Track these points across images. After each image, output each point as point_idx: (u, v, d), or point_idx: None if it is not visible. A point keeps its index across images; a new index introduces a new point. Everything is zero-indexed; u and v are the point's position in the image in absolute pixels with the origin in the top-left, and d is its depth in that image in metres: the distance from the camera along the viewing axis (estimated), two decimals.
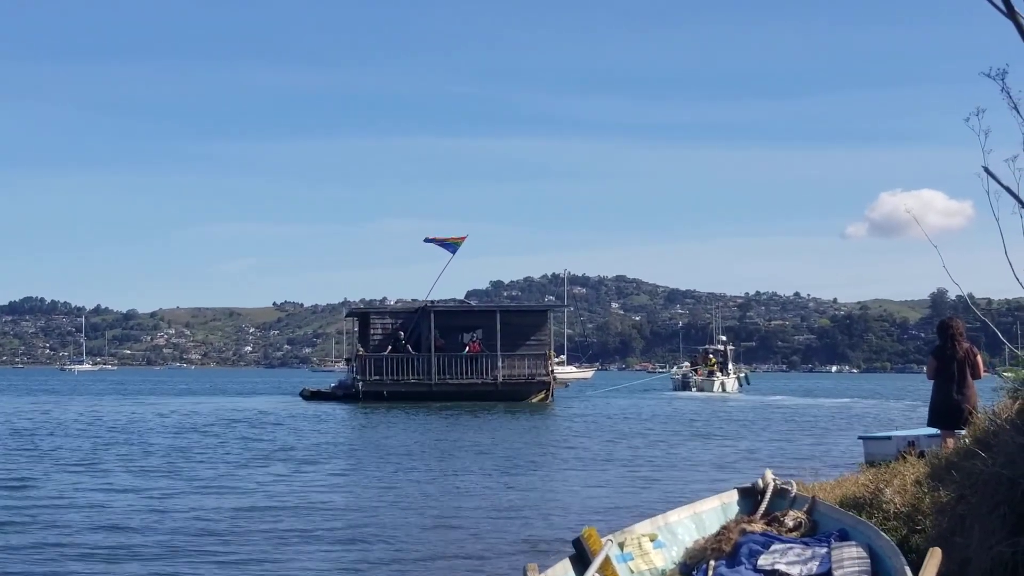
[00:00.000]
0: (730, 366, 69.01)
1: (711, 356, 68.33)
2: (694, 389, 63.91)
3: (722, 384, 64.43)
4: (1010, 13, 4.61)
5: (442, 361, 43.42)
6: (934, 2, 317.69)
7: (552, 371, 45.21)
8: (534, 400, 43.33)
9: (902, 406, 45.14)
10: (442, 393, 42.40)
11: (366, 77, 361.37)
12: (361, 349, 44.25)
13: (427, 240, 47.68)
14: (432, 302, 47.26)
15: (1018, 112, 5.07)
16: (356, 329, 51.27)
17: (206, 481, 16.96)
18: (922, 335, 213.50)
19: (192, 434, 27.30)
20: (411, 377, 43.21)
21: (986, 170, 4.97)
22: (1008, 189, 5.09)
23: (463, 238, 47.80)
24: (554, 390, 44.95)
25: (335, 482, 17.03)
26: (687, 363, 78.13)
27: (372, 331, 44.87)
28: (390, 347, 43.86)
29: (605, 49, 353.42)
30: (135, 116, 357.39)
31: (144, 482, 16.84)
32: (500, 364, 43.45)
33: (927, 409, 12.64)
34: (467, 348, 44.21)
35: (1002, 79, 4.98)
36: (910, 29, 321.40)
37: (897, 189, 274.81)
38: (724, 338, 78.22)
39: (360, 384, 43.14)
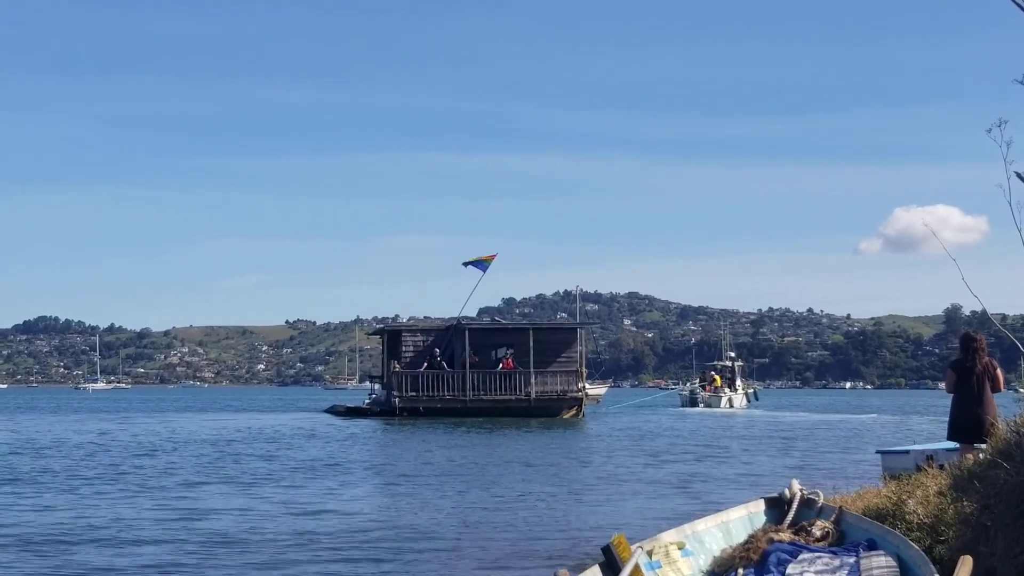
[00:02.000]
0: (738, 382, 69.17)
1: (717, 373, 68.65)
2: (702, 405, 64.34)
3: (729, 400, 64.77)
4: None
5: (477, 378, 44.23)
6: (949, 18, 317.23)
7: (584, 388, 46.09)
8: (566, 416, 44.18)
9: (924, 422, 45.02)
10: (476, 409, 43.24)
11: (376, 93, 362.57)
12: (397, 366, 44.82)
13: (466, 264, 49.02)
14: (458, 319, 47.74)
15: None
16: (383, 346, 51.92)
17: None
18: (936, 351, 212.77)
19: (269, 447, 28.60)
20: (446, 393, 44.06)
21: (1020, 176, 5.06)
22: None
23: (493, 256, 49.24)
24: (585, 406, 45.82)
25: (423, 498, 17.21)
26: (697, 379, 78.46)
27: (404, 348, 45.68)
28: (425, 364, 44.64)
29: (618, 65, 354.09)
30: (150, 131, 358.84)
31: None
32: (533, 381, 44.38)
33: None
34: (500, 365, 45.03)
35: None
36: (926, 45, 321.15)
37: (912, 205, 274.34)
38: (733, 355, 78.56)
39: (397, 400, 43.81)
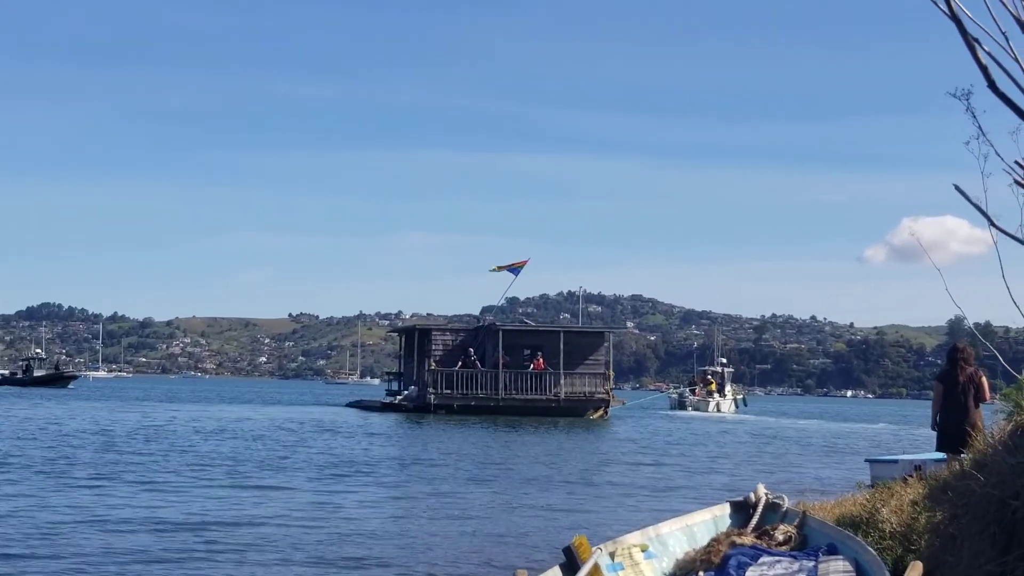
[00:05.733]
0: (728, 388, 69.68)
1: (710, 377, 69.20)
2: (690, 409, 65.25)
3: (717, 405, 65.66)
4: (952, 16, 4.67)
5: (509, 377, 45.60)
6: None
7: (611, 389, 47.64)
8: (592, 416, 45.54)
9: (920, 431, 45.03)
10: (508, 408, 44.68)
11: (388, 90, 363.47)
12: (433, 364, 46.23)
13: (498, 269, 51.09)
14: (478, 318, 49.19)
15: (982, 133, 5.10)
16: (404, 344, 53.46)
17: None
18: (938, 361, 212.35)
19: (321, 438, 29.00)
20: (480, 392, 45.37)
21: (957, 188, 5.01)
22: (977, 206, 5.12)
23: (526, 261, 51.26)
24: (611, 407, 47.22)
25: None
26: (686, 383, 79.16)
27: (433, 347, 47.19)
28: (460, 363, 45.98)
29: (630, 68, 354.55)
30: (158, 123, 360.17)
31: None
32: (562, 382, 45.93)
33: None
34: (532, 365, 46.27)
35: (967, 99, 5.02)
36: (936, 54, 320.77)
37: (920, 215, 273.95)
38: (724, 360, 79.47)
39: (432, 397, 44.92)
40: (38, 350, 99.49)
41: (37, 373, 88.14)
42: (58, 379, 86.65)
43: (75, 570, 10.25)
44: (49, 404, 50.08)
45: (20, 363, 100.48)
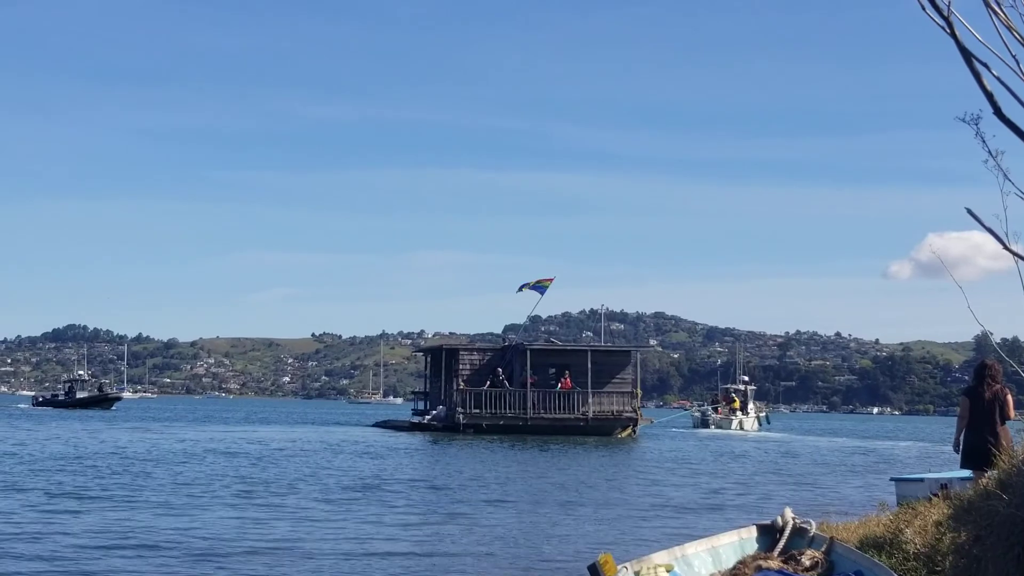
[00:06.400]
0: (750, 406, 69.58)
1: (733, 395, 69.13)
2: (712, 427, 65.28)
3: (740, 423, 65.66)
4: (960, 48, 4.73)
5: (537, 396, 45.97)
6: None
7: (638, 408, 47.95)
8: (621, 435, 45.83)
9: (944, 450, 44.74)
10: (536, 427, 45.06)
11: (407, 108, 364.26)
12: (462, 383, 46.62)
13: (523, 288, 50.92)
14: (503, 337, 49.25)
15: (992, 156, 5.13)
16: (429, 363, 53.82)
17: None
18: (965, 378, 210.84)
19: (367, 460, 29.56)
20: (508, 411, 45.77)
21: (969, 211, 5.06)
22: (990, 230, 5.17)
23: (551, 280, 51.46)
24: (639, 426, 47.52)
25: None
26: (709, 401, 79.04)
27: (460, 366, 47.49)
28: (488, 382, 46.44)
29: (646, 83, 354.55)
30: (181, 142, 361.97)
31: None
32: (590, 400, 46.17)
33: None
34: (559, 384, 46.50)
35: (976, 124, 5.05)
36: (958, 70, 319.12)
37: (946, 231, 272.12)
38: (746, 378, 79.27)
39: (461, 417, 45.29)
40: (80, 371, 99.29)
41: (80, 395, 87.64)
42: (103, 400, 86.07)
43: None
44: (121, 427, 50.19)
45: (62, 384, 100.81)
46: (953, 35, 4.65)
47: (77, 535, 13.98)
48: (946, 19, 4.70)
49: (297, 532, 14.68)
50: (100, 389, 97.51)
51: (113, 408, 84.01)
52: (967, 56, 4.66)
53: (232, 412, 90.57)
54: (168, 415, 75.15)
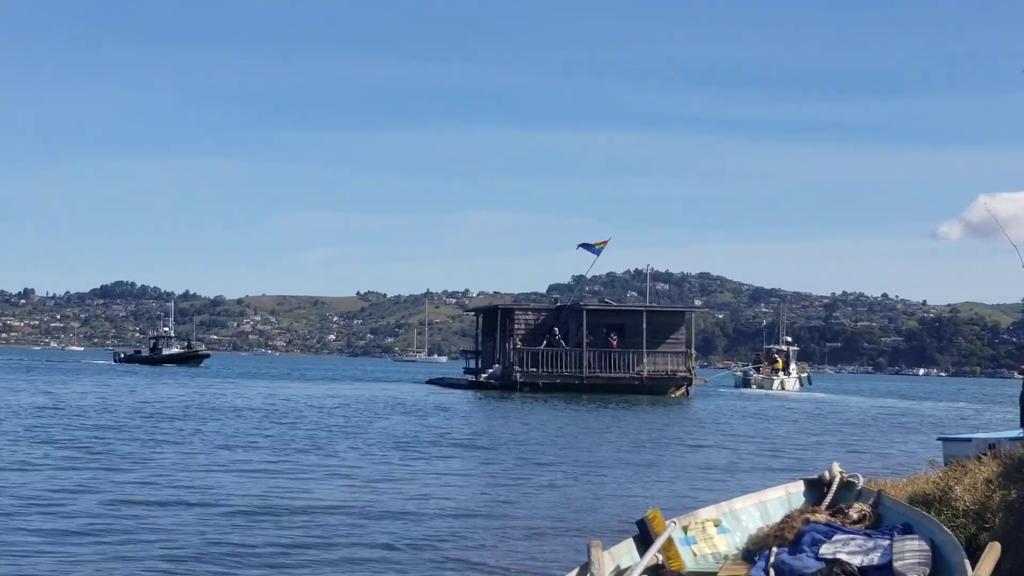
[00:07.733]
0: (792, 366, 69.40)
1: (775, 355, 68.96)
2: (754, 387, 65.60)
3: (782, 383, 65.85)
4: None
5: (593, 356, 46.62)
6: None
7: (692, 368, 48.61)
8: (675, 395, 46.54)
9: (992, 411, 44.38)
10: (592, 386, 45.61)
11: (453, 69, 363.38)
12: (519, 343, 47.37)
13: (581, 247, 51.91)
14: (553, 298, 49.57)
15: None
16: (480, 323, 55.27)
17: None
18: (1014, 339, 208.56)
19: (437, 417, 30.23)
20: (564, 370, 46.44)
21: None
22: None
23: (606, 241, 52.03)
24: (692, 385, 48.13)
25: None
26: (751, 361, 78.91)
27: (516, 326, 48.34)
28: (545, 341, 47.15)
29: (698, 43, 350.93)
30: (229, 103, 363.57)
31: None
32: (645, 360, 46.87)
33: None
34: (612, 344, 47.01)
35: None
36: (1014, 30, 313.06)
37: (997, 191, 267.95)
38: (789, 339, 79.14)
39: (518, 375, 46.04)
40: (166, 328, 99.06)
41: (166, 351, 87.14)
42: (191, 357, 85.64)
43: None
44: (227, 383, 51.56)
45: (148, 340, 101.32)
46: None
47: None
48: None
49: (368, 490, 14.81)
50: (189, 346, 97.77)
51: (202, 365, 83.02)
52: None
53: (305, 369, 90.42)
54: (261, 372, 76.40)
